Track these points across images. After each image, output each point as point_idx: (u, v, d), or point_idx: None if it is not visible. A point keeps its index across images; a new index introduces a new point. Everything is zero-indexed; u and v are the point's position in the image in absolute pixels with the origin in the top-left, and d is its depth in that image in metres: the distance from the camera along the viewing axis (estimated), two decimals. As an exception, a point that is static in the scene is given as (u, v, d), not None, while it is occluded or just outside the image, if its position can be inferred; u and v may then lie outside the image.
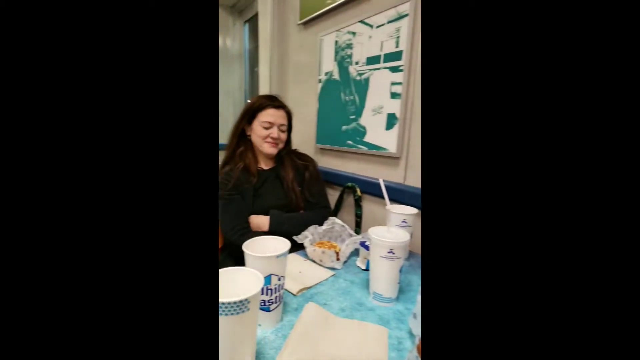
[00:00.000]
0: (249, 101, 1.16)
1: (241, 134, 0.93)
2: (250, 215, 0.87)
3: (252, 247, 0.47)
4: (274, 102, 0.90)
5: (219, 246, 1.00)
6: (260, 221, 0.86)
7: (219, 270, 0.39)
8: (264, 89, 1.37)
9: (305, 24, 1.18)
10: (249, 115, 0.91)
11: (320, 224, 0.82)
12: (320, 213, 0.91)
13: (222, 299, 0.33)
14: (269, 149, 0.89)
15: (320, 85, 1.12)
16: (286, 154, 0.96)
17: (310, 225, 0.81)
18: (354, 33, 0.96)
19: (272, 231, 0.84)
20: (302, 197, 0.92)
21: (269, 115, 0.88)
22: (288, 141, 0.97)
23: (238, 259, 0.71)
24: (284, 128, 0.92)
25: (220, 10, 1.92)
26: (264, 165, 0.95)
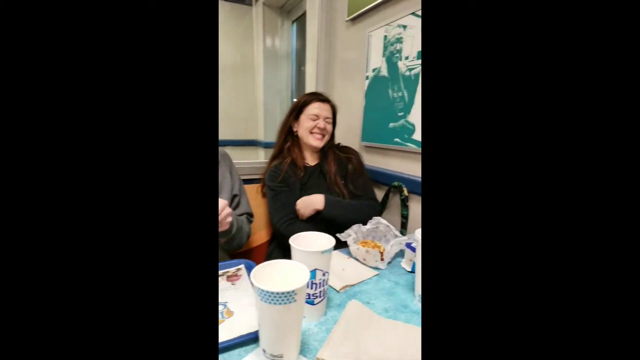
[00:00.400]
0: (294, 100, 1.20)
1: (289, 130, 0.97)
2: (302, 197, 0.87)
3: (298, 242, 0.49)
4: (319, 96, 0.95)
5: (267, 239, 1.05)
6: (316, 199, 0.85)
7: (269, 261, 0.42)
8: (310, 87, 1.39)
9: (354, 20, 1.17)
10: (296, 111, 0.95)
11: (368, 218, 0.82)
12: (368, 204, 0.91)
13: (271, 288, 0.35)
14: (314, 141, 0.92)
15: (367, 82, 1.11)
16: (329, 148, 0.98)
17: (359, 214, 0.82)
18: (404, 26, 0.92)
19: (325, 212, 0.84)
20: (347, 190, 0.92)
21: (315, 108, 0.92)
22: (332, 136, 1.00)
23: (285, 252, 0.73)
24: (330, 121, 0.95)
25: (269, 12, 1.99)
26: (310, 161, 0.98)
